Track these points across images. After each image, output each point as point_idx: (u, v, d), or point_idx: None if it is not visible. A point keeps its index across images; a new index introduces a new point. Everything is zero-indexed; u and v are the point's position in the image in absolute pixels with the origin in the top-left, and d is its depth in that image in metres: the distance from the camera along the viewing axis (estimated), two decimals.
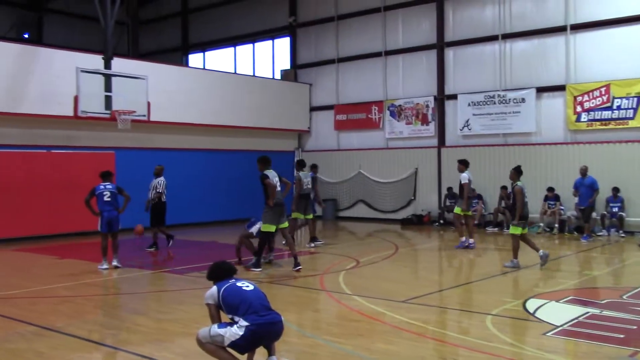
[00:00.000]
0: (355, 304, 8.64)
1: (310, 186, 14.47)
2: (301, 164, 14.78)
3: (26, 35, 24.10)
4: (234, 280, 5.65)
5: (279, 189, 11.25)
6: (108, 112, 15.13)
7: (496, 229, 17.80)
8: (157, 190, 14.29)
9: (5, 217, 15.94)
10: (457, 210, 14.44)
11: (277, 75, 24.42)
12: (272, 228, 11.26)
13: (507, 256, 12.32)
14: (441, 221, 19.63)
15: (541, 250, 11.37)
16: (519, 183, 11.52)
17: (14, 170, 16.17)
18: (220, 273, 5.73)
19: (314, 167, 15.78)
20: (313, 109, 23.59)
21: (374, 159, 21.44)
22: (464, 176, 14.18)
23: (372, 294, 9.31)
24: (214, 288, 5.56)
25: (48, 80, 16.20)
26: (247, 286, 5.57)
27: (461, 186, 14.28)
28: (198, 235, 17.80)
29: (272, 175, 11.18)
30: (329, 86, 23.09)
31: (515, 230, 11.52)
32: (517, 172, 11.70)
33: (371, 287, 10.00)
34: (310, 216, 14.49)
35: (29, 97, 15.93)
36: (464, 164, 14.40)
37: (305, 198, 14.28)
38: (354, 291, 9.44)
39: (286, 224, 11.59)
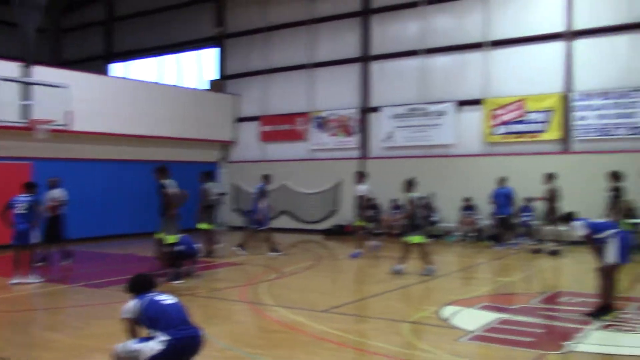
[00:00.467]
0: (277, 315, 8.69)
1: (215, 197, 14.92)
2: (208, 175, 14.98)
3: None
4: (154, 293, 5.59)
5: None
6: (25, 121, 14.60)
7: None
8: (54, 204, 13.65)
9: None
10: (358, 222, 14.86)
11: (204, 86, 24.23)
12: (175, 239, 11.29)
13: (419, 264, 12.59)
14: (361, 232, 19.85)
15: (431, 266, 11.82)
16: (412, 194, 12.03)
17: None
18: (140, 286, 5.65)
19: (265, 178, 15.66)
20: (240, 119, 23.54)
21: (299, 170, 21.60)
22: (361, 188, 14.50)
23: (294, 304, 9.38)
24: (134, 301, 5.48)
25: None
26: (167, 300, 5.51)
27: (359, 198, 14.64)
28: (117, 247, 17.39)
29: (171, 185, 11.29)
30: (256, 97, 23.12)
31: (413, 239, 11.97)
32: (410, 184, 12.15)
33: (293, 298, 10.07)
34: (213, 226, 14.94)
35: None
36: (361, 176, 14.76)
37: (210, 208, 14.67)
38: (276, 302, 9.48)
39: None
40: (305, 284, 11.41)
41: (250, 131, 23.24)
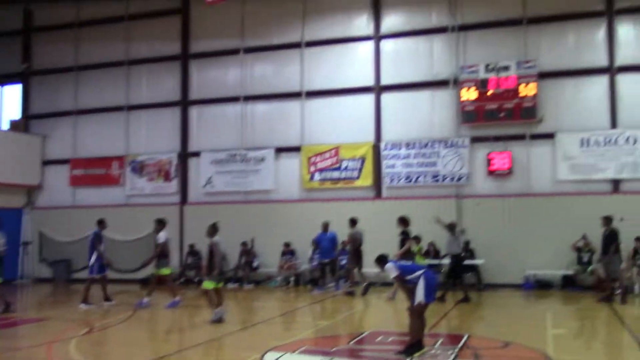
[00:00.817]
0: None
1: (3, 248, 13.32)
2: None
3: None
4: None
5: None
6: None
7: (236, 284, 18.05)
8: None
9: None
10: (164, 271, 14.22)
11: (4, 126, 22.26)
12: None
13: (248, 309, 12.49)
14: (182, 279, 19.29)
15: (219, 309, 11.86)
16: (215, 239, 12.09)
17: None
18: None
19: (100, 223, 14.77)
20: (46, 162, 21.90)
21: (114, 217, 20.35)
22: (161, 235, 14.19)
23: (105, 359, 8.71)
24: None
25: None
26: None
27: (158, 246, 14.19)
28: None
29: None
30: (65, 139, 21.71)
31: (209, 284, 11.93)
32: (214, 229, 12.22)
33: (107, 353, 9.38)
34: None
35: None
36: (161, 224, 14.39)
37: None
38: (85, 359, 8.74)
39: None
40: (120, 338, 10.69)
41: (59, 175, 21.69)
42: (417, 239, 15.88)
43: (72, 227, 21.06)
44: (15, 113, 22.40)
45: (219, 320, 11.60)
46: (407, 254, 14.14)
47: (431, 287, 8.88)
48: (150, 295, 14.12)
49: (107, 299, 14.54)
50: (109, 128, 21.29)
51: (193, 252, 19.02)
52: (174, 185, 20.34)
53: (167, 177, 20.41)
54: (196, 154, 20.21)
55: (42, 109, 22.08)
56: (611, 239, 13.83)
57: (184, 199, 20.24)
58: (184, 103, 20.44)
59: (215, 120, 20.24)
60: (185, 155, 20.34)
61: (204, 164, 19.97)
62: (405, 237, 14.46)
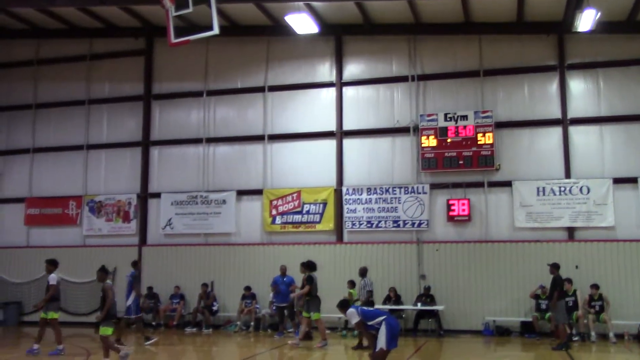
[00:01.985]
0: None
1: None
2: None
3: None
4: None
5: None
6: None
7: (194, 329, 17.71)
8: None
9: None
10: (51, 315, 13.49)
11: None
12: None
13: (206, 355, 12.19)
14: (134, 325, 18.78)
15: (122, 351, 11.69)
16: (108, 281, 11.90)
17: None
18: None
19: (135, 264, 15.23)
20: (1, 201, 21.36)
21: (70, 258, 19.88)
22: (52, 277, 13.69)
23: None
24: None
25: None
26: None
27: (49, 288, 13.63)
28: None
29: None
30: (20, 177, 21.26)
31: (106, 331, 11.42)
32: (104, 272, 11.98)
33: None
34: None
35: None
36: (52, 265, 13.92)
37: None
38: None
39: None
40: None
41: (14, 214, 21.15)
42: (352, 283, 16.06)
43: (25, 268, 20.46)
44: None
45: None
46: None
47: (394, 333, 8.91)
48: (40, 341, 13.24)
49: (147, 338, 14.63)
50: (67, 167, 20.96)
51: (151, 294, 18.64)
52: (133, 226, 20.02)
53: (126, 218, 20.09)
54: (156, 195, 19.99)
55: None
56: (554, 286, 14.19)
57: (143, 240, 19.91)
58: (145, 143, 20.30)
59: (177, 161, 20.14)
60: (145, 196, 20.10)
61: (164, 205, 19.76)
62: (309, 281, 14.61)
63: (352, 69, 19.10)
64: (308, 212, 18.65)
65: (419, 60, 18.43)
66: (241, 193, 19.29)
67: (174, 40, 11.49)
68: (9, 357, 13.05)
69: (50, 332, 13.33)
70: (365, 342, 12.69)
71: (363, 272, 15.50)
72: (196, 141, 19.94)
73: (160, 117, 20.49)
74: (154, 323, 18.06)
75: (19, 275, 20.52)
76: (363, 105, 18.85)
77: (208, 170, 19.75)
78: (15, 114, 21.63)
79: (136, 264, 15.52)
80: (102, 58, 21.10)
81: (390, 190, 18.06)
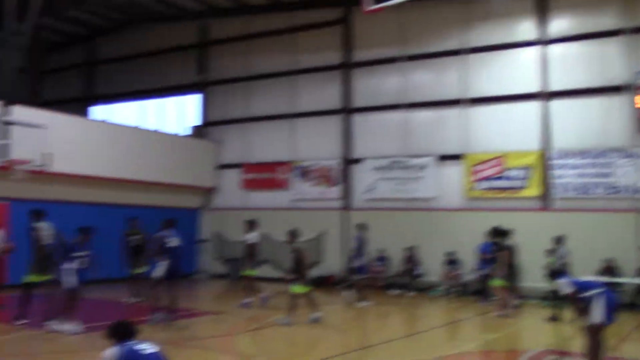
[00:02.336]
0: None
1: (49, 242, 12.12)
2: (37, 214, 12.21)
3: None
4: (135, 342, 5.47)
5: (48, 241, 11.86)
6: (3, 160, 14.40)
7: (398, 291, 18.12)
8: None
9: None
10: (248, 272, 14.80)
11: (186, 132, 24.23)
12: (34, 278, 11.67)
13: (411, 317, 12.46)
14: (347, 283, 19.71)
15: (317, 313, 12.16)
16: (297, 244, 12.50)
17: None
18: (121, 333, 5.56)
19: (361, 227, 15.86)
20: (221, 166, 23.50)
21: (280, 219, 21.38)
22: (251, 236, 14.74)
23: (278, 356, 9.17)
24: (114, 349, 5.37)
25: None
26: (148, 349, 5.41)
27: (249, 246, 14.71)
28: (95, 292, 16.93)
29: (42, 228, 11.84)
30: (237, 145, 23.15)
31: (298, 289, 12.19)
32: (294, 235, 12.61)
33: (277, 350, 9.87)
34: (49, 277, 11.81)
35: None
36: (251, 225, 15.00)
37: (44, 255, 11.93)
38: (259, 353, 9.26)
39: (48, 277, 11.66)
40: (289, 336, 11.19)
41: (232, 178, 23.18)
42: (551, 252, 14.91)
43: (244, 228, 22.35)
44: (195, 120, 24.27)
45: (286, 324, 11.84)
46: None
47: (611, 307, 8.37)
48: (251, 296, 14.61)
49: (361, 299, 15.23)
50: (276, 135, 22.36)
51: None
52: (337, 190, 20.89)
53: (330, 183, 21.01)
54: (359, 161, 20.61)
55: (217, 116, 23.71)
56: None
57: (347, 205, 20.71)
58: (346, 110, 20.94)
59: (377, 127, 20.51)
60: (348, 162, 20.82)
61: (367, 171, 20.30)
62: (499, 247, 14.00)
63: (558, 25, 17.85)
64: (511, 178, 17.99)
65: (633, 11, 16.68)
66: (441, 158, 19.15)
67: (369, 7, 11.59)
68: (227, 308, 14.42)
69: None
70: (564, 315, 12.05)
71: (559, 240, 14.55)
72: (395, 107, 20.11)
73: (360, 85, 20.93)
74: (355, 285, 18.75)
75: (239, 234, 22.45)
76: (570, 64, 17.59)
77: (408, 136, 19.85)
78: (231, 86, 23.45)
79: (363, 227, 15.91)
80: (304, 30, 21.99)
81: (604, 154, 16.74)
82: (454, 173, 18.96)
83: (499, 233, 14.26)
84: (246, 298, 14.45)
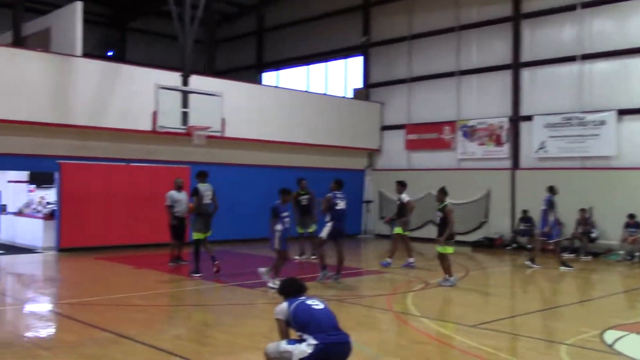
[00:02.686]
0: (423, 326, 8.51)
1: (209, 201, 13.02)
2: (202, 175, 13.21)
3: (110, 53, 25.27)
4: (304, 297, 5.70)
5: (208, 201, 12.72)
6: (184, 127, 15.56)
7: (572, 255, 17.16)
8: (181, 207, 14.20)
9: (87, 226, 16.62)
10: (397, 230, 14.49)
11: (349, 94, 24.56)
12: (199, 236, 12.61)
13: (586, 282, 11.81)
14: (514, 245, 19.10)
15: (454, 277, 11.82)
16: (448, 204, 11.91)
17: (96, 182, 16.87)
18: (291, 290, 5.80)
19: (551, 189, 15.23)
20: (384, 128, 23.56)
21: (445, 180, 20.86)
22: (404, 196, 14.56)
23: (440, 316, 9.17)
24: (285, 304, 5.63)
25: (129, 96, 16.89)
26: (317, 305, 5.60)
27: (402, 205, 14.48)
28: (268, 250, 17.93)
29: (204, 189, 12.73)
30: (400, 105, 23.02)
31: (446, 250, 11.79)
32: (443, 193, 12.10)
33: (440, 310, 9.86)
34: (209, 233, 12.98)
35: (111, 112, 16.63)
36: (402, 185, 14.91)
37: (205, 214, 12.88)
38: (422, 313, 9.30)
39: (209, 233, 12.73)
40: (453, 297, 11.09)
41: (395, 139, 23.17)
42: None
43: (407, 189, 22.34)
44: (358, 82, 24.47)
45: (451, 285, 11.56)
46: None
47: None
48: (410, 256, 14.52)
49: (563, 263, 14.71)
50: (441, 94, 21.87)
51: (525, 218, 18.57)
52: (505, 149, 20.06)
53: (498, 142, 20.21)
54: (528, 118, 19.57)
55: (380, 78, 23.68)
56: None
57: (515, 164, 19.85)
58: (516, 65, 19.87)
59: (549, 82, 19.27)
60: (516, 119, 19.86)
61: (537, 128, 19.23)
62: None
63: None
64: None
65: None
66: (622, 112, 17.58)
67: None
68: (390, 268, 14.57)
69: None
70: None
71: None
72: (570, 59, 18.71)
73: (531, 37, 19.73)
74: (528, 246, 18.04)
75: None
76: None
77: (584, 90, 18.44)
78: (394, 47, 23.23)
79: (552, 189, 15.24)
80: None
81: None
82: (637, 129, 17.36)
83: (551, 190, 13.23)
84: (409, 258, 14.47)
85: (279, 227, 11.19)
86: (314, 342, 5.27)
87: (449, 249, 11.85)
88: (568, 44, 18.81)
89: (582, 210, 17.35)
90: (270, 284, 10.95)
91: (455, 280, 11.84)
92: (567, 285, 13.13)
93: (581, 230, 17.33)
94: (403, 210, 14.52)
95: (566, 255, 17.12)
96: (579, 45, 18.54)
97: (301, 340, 5.37)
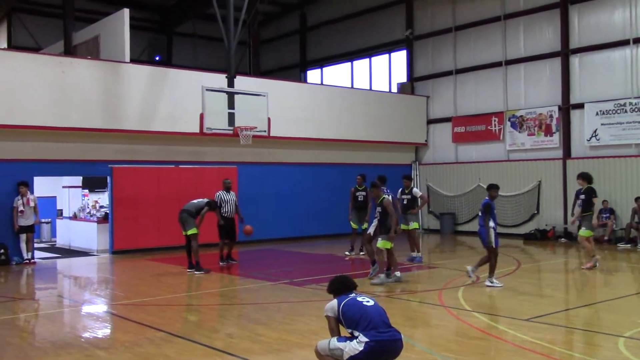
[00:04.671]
0: (475, 320, 8.39)
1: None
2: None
3: (157, 58, 25.77)
4: (354, 294, 5.69)
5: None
6: (231, 128, 15.73)
7: (629, 245, 16.65)
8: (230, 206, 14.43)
9: (139, 228, 17.01)
10: (415, 225, 14.27)
11: (394, 89, 24.40)
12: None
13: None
14: (564, 239, 18.65)
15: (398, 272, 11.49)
16: (386, 196, 11.61)
17: (146, 185, 17.24)
18: (340, 287, 5.80)
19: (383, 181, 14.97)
20: (430, 121, 23.32)
21: (494, 172, 20.77)
22: (416, 191, 14.37)
23: (492, 311, 9.02)
24: (334, 301, 5.63)
25: (176, 99, 17.19)
26: (367, 301, 5.58)
27: (414, 199, 14.24)
28: (317, 247, 18.04)
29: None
30: (446, 98, 22.75)
31: (385, 244, 11.24)
32: (376, 187, 11.58)
33: (492, 304, 9.70)
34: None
35: (159, 116, 16.96)
36: (410, 180, 14.70)
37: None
38: (473, 307, 9.18)
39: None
40: (505, 290, 10.90)
41: (441, 133, 22.92)
42: None
43: (455, 182, 22.16)
44: (402, 76, 24.29)
45: (380, 283, 11.23)
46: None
47: None
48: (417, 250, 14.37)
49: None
50: (487, 84, 21.52)
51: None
52: (555, 139, 19.60)
53: (548, 131, 19.76)
54: (579, 106, 19.06)
55: (425, 71, 23.45)
56: None
57: (567, 153, 19.38)
58: (565, 52, 19.38)
59: (600, 68, 18.73)
60: (566, 108, 19.38)
61: (588, 116, 18.72)
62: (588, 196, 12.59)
63: None
64: None
65: None
66: None
67: None
68: (441, 262, 14.43)
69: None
70: None
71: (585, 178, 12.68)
72: (622, 43, 18.16)
73: (580, 22, 19.21)
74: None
75: (450, 188, 22.31)
76: None
77: (637, 74, 17.86)
78: (437, 39, 22.98)
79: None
80: None
81: None
82: None
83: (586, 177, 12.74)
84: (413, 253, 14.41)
85: (492, 223, 11.12)
86: (365, 339, 5.26)
87: (387, 244, 11.35)
88: (618, 28, 18.25)
89: (639, 199, 16.81)
90: (489, 282, 11.02)
91: (388, 279, 11.44)
92: (621, 277, 12.76)
93: (638, 220, 16.80)
94: (415, 204, 14.31)
95: (622, 246, 16.68)
96: (630, 28, 17.97)
97: (352, 338, 5.38)
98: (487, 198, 11.28)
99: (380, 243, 11.33)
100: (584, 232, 12.83)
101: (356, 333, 5.34)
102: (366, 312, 5.44)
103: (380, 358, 5.36)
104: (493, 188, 11.35)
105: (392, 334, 5.39)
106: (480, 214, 11.25)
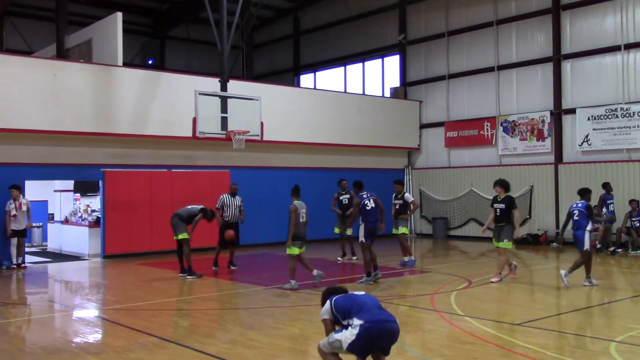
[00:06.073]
0: (468, 325, 8.41)
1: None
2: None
3: (150, 62, 25.77)
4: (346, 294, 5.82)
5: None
6: (224, 132, 15.72)
7: (620, 250, 16.72)
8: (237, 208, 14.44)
9: (131, 233, 16.95)
10: (404, 230, 14.24)
11: (387, 94, 24.45)
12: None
13: (634, 278, 11.48)
14: (555, 244, 18.68)
15: (315, 270, 11.36)
16: (295, 202, 11.41)
17: (139, 189, 17.18)
18: (331, 293, 5.89)
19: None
20: (423, 126, 23.38)
21: (487, 176, 20.82)
22: (408, 195, 14.41)
23: (485, 315, 9.03)
24: (327, 303, 5.72)
25: (169, 103, 17.16)
26: (359, 292, 5.77)
27: (406, 204, 14.24)
28: (309, 252, 17.95)
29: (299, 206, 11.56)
30: (439, 103, 22.82)
31: (292, 250, 11.32)
32: (295, 192, 11.62)
33: (484, 309, 9.71)
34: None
35: (152, 119, 16.93)
36: (401, 184, 14.74)
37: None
38: (466, 312, 9.19)
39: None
40: (496, 295, 10.94)
41: (434, 137, 22.98)
42: None
43: (448, 187, 22.20)
44: (395, 81, 24.34)
45: (290, 288, 11.24)
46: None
47: None
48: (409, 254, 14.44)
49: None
50: (480, 89, 21.62)
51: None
52: (547, 144, 19.69)
53: (539, 136, 19.85)
54: (571, 111, 19.17)
55: (418, 75, 23.52)
56: None
57: (558, 158, 19.46)
58: (556, 58, 19.48)
59: (591, 73, 18.85)
60: (558, 113, 19.47)
61: (580, 121, 18.82)
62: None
63: None
64: None
65: None
66: None
67: None
68: (432, 267, 14.44)
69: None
70: None
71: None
72: (613, 49, 18.28)
73: (571, 28, 19.33)
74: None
75: (443, 193, 22.35)
76: None
77: (628, 80, 17.99)
78: (430, 44, 23.06)
79: (607, 186, 14.78)
80: None
81: None
82: None
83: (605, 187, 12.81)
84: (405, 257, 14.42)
85: (589, 227, 11.19)
86: (359, 322, 5.32)
87: (295, 250, 11.38)
88: (610, 34, 18.39)
89: (633, 202, 16.83)
90: (586, 282, 11.27)
91: (296, 285, 11.39)
92: (613, 281, 12.81)
93: (630, 224, 16.87)
94: (407, 209, 14.32)
95: (615, 250, 16.73)
96: (621, 34, 18.11)
97: (347, 326, 5.44)
98: (583, 201, 11.41)
99: (288, 249, 11.35)
100: (505, 244, 11.98)
101: (350, 321, 5.41)
102: (357, 299, 5.59)
103: (377, 342, 5.41)
104: (590, 192, 11.71)
105: (386, 315, 5.48)
106: (576, 217, 11.26)
